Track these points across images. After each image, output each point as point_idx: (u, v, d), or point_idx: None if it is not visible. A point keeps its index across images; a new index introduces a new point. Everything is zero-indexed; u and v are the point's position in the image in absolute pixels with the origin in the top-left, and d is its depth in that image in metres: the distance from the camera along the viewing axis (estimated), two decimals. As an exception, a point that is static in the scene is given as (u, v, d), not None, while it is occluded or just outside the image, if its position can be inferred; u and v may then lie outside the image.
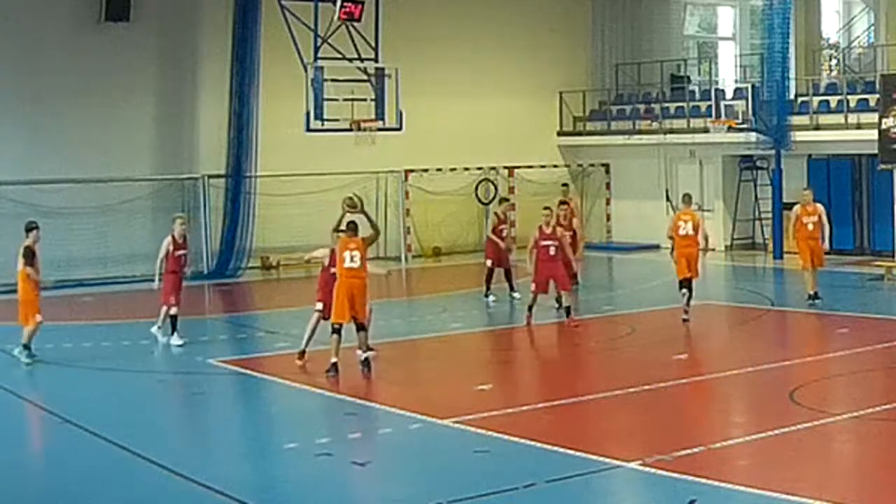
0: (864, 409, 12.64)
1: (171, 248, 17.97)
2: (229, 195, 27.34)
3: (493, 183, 31.77)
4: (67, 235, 25.52)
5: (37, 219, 24.91)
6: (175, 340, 17.83)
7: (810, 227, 20.64)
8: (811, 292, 20.53)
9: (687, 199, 20.26)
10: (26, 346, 16.66)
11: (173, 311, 17.90)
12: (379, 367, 15.92)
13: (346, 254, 15.18)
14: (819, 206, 21.02)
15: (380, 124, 25.07)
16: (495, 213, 22.55)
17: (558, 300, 19.50)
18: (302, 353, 16.01)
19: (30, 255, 16.84)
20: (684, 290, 19.12)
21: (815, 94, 28.50)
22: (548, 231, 18.80)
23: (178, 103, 27.66)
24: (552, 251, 18.68)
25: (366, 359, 15.38)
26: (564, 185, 25.94)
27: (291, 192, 27.61)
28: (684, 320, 18.86)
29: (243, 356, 17.37)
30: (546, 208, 19.47)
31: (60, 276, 25.22)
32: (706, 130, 29.08)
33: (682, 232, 19.31)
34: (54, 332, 19.50)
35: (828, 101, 27.99)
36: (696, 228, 19.26)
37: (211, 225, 27.33)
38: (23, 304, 16.80)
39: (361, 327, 15.35)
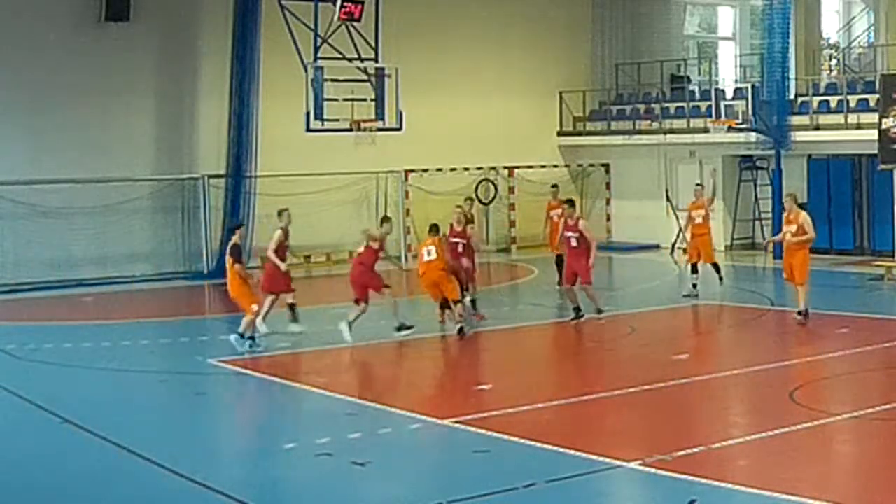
0: (864, 409, 12.64)
1: (282, 240, 18.29)
2: (229, 195, 27.32)
3: (493, 183, 31.79)
4: (67, 235, 25.56)
5: (37, 219, 25.30)
6: (295, 328, 18.23)
7: (788, 236, 18.51)
8: (801, 308, 18.53)
9: (700, 187, 22.97)
10: (242, 335, 16.76)
11: (290, 299, 18.33)
12: (379, 367, 15.93)
13: (424, 250, 18.32)
14: (802, 214, 18.67)
15: (380, 124, 25.06)
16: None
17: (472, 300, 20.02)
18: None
19: (237, 253, 16.95)
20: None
21: (815, 94, 28.50)
22: (458, 229, 19.59)
23: (178, 103, 27.66)
24: (459, 248, 19.48)
25: (460, 328, 17.76)
26: (554, 185, 25.43)
27: (291, 192, 27.57)
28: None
29: (243, 356, 17.34)
30: (458, 206, 20.32)
31: (60, 276, 25.33)
32: (706, 130, 29.06)
33: (698, 221, 22.01)
34: (54, 332, 19.55)
35: (828, 101, 27.99)
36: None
37: (211, 225, 27.32)
38: (239, 298, 16.92)
39: (449, 303, 18.16)
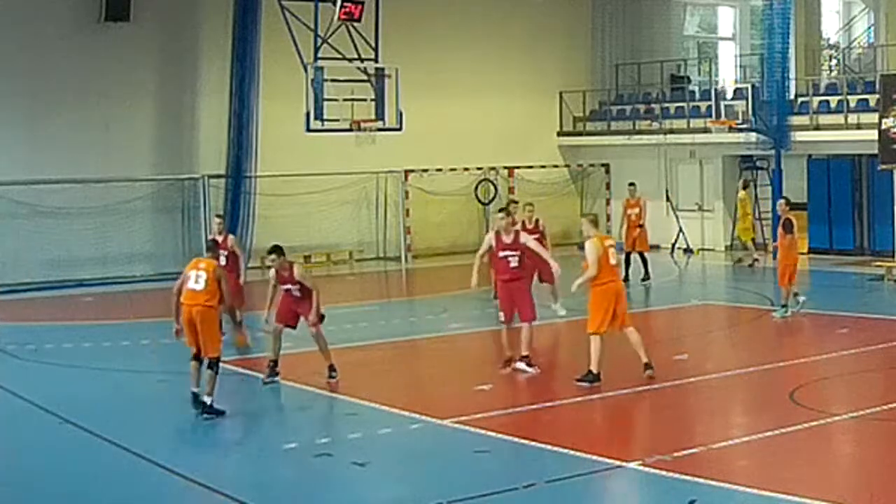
0: (864, 409, 12.64)
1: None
2: (229, 195, 27.31)
3: (493, 183, 31.78)
4: (67, 235, 25.56)
5: (37, 219, 25.32)
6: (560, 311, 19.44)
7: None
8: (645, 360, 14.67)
9: (633, 187, 25.01)
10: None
11: None
12: (379, 367, 15.92)
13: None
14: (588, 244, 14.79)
15: (380, 124, 25.08)
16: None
17: None
18: None
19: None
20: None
21: (815, 94, 28.51)
22: (507, 240, 19.90)
23: (178, 103, 27.66)
24: (512, 263, 19.58)
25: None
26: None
27: (291, 192, 27.62)
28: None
29: (243, 356, 17.34)
30: (528, 204, 21.05)
31: (60, 276, 25.33)
32: (706, 130, 29.09)
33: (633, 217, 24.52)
34: (54, 332, 19.55)
35: (828, 101, 27.99)
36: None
37: (210, 225, 27.30)
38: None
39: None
